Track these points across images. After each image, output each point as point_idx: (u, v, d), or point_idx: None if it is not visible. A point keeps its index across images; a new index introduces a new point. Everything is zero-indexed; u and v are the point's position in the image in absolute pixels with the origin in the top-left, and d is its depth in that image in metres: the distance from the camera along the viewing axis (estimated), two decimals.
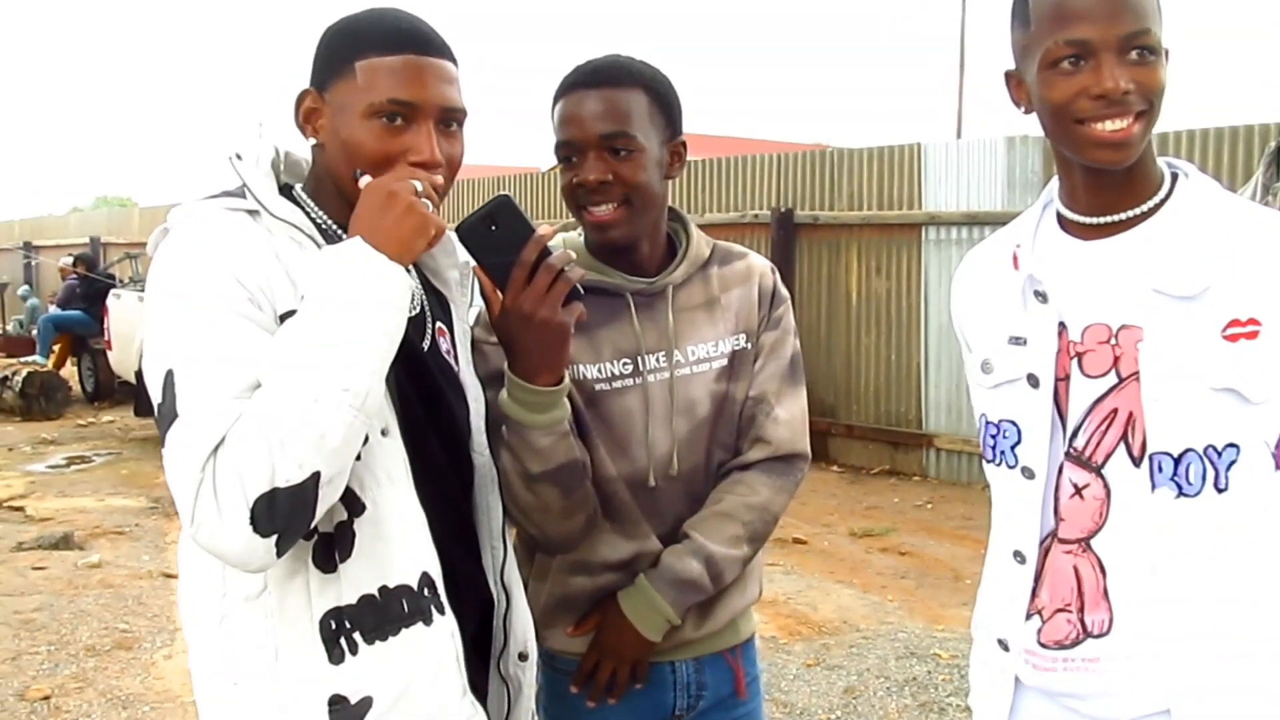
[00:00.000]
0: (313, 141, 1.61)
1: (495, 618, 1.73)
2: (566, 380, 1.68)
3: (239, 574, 1.47)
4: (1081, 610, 1.56)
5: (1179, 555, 1.49)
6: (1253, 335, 1.45)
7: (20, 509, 7.71)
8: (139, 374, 9.03)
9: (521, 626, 1.76)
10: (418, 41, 1.55)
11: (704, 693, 1.98)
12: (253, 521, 1.33)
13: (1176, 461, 1.47)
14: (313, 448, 1.35)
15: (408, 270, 1.49)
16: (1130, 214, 1.54)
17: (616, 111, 1.82)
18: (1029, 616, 1.61)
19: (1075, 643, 1.57)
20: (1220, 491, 1.47)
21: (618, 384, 1.88)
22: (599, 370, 1.87)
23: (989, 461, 1.65)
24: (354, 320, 1.39)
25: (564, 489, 1.74)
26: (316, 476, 1.35)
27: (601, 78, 1.85)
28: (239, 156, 1.58)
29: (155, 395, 1.41)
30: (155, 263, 1.49)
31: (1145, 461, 1.49)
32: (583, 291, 1.61)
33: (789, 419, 1.96)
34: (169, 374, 1.39)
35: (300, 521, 1.37)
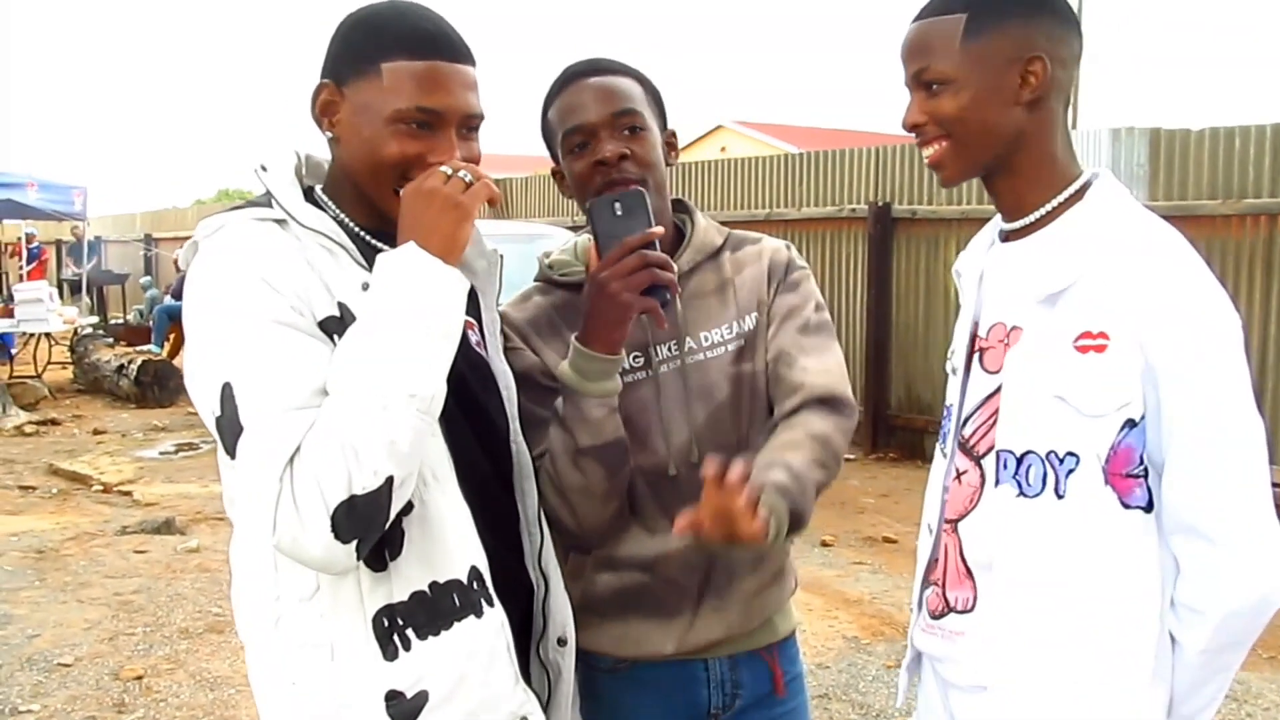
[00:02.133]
0: (328, 135, 1.62)
1: (535, 603, 1.76)
2: (622, 358, 1.74)
3: (292, 576, 1.52)
4: (944, 585, 1.72)
5: (1014, 552, 1.59)
6: (1100, 349, 1.50)
7: (128, 493, 7.99)
8: None
9: (560, 612, 1.78)
10: (443, 46, 1.57)
11: (740, 691, 1.96)
12: (334, 529, 1.38)
13: (1019, 461, 1.57)
14: (386, 453, 1.39)
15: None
16: (1034, 216, 1.63)
17: (622, 93, 1.86)
18: (926, 585, 1.77)
19: (941, 614, 1.73)
20: (1060, 498, 1.55)
21: (629, 378, 1.87)
22: None
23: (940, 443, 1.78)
24: (415, 326, 1.43)
25: (609, 468, 1.77)
26: (390, 481, 1.40)
27: (598, 68, 1.88)
28: (264, 168, 1.60)
29: (212, 408, 1.45)
30: (190, 276, 1.53)
31: (992, 456, 1.60)
32: (669, 297, 1.71)
33: (821, 367, 1.85)
34: (226, 386, 1.43)
35: (378, 524, 1.42)
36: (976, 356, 1.67)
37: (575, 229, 11.15)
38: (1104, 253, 1.53)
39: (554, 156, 1.93)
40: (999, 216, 1.72)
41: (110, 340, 14.49)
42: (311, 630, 1.53)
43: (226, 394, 1.43)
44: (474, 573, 1.58)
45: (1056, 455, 1.54)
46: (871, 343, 9.25)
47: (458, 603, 1.56)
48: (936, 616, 1.73)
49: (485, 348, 1.76)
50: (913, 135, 1.66)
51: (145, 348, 14.50)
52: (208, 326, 1.47)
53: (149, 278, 19.48)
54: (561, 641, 1.78)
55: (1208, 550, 1.50)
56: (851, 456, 9.07)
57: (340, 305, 1.51)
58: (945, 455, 1.73)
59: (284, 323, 1.45)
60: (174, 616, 5.34)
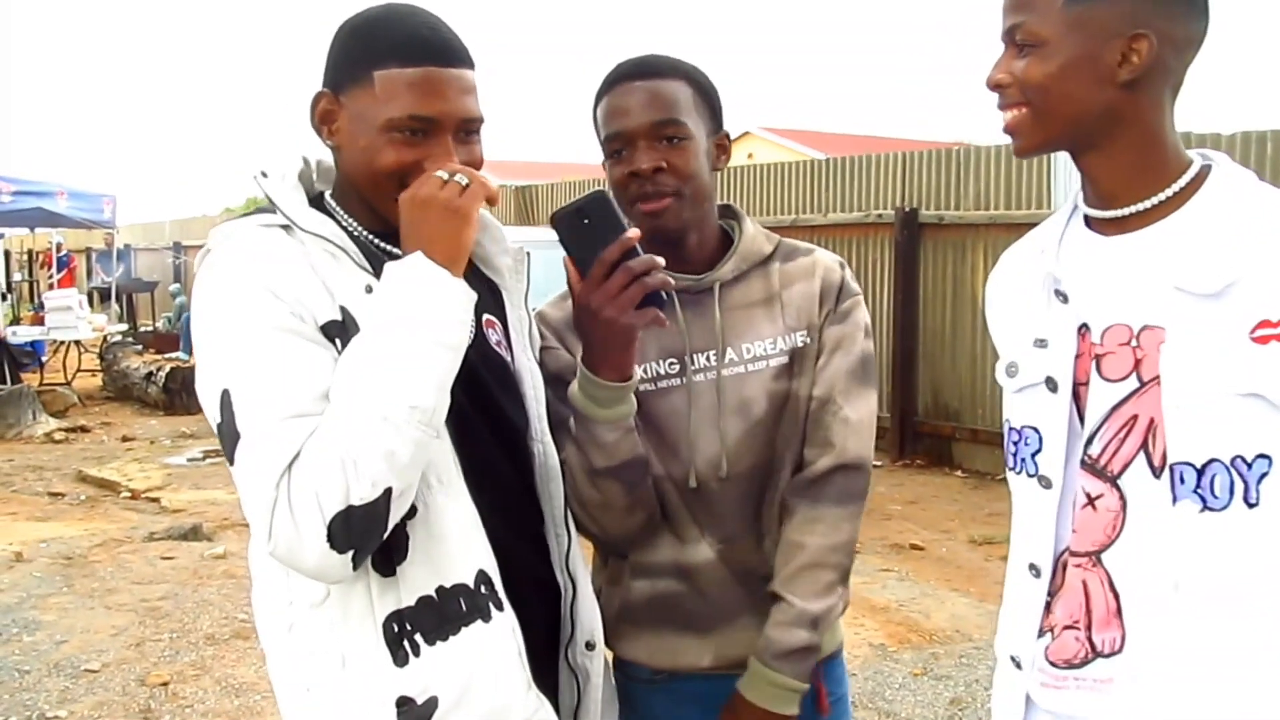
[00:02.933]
0: (329, 144, 1.62)
1: (562, 606, 1.74)
2: (635, 378, 1.69)
3: (303, 582, 1.52)
4: (1089, 628, 1.48)
5: (1204, 575, 1.39)
6: None
7: (156, 500, 8.03)
8: None
9: (588, 615, 1.76)
10: (436, 52, 1.54)
11: None
12: (330, 539, 1.37)
13: (1200, 473, 1.37)
14: (385, 465, 1.38)
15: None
16: (1146, 204, 1.46)
17: (665, 100, 1.81)
18: (1041, 633, 1.53)
19: (1084, 662, 1.49)
20: (1251, 506, 1.36)
21: (662, 384, 1.85)
22: (644, 370, 1.83)
23: (1010, 469, 1.59)
24: (417, 337, 1.41)
25: (627, 486, 1.75)
26: (389, 492, 1.39)
27: (646, 69, 1.84)
28: (264, 174, 1.60)
29: (214, 415, 1.45)
30: (197, 285, 1.53)
31: (1166, 472, 1.39)
32: (665, 298, 1.61)
33: (858, 422, 1.87)
34: (225, 394, 1.43)
35: (375, 536, 1.42)
36: (1094, 365, 1.47)
37: None
38: (1266, 234, 1.37)
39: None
40: (1071, 210, 1.57)
41: (139, 347, 14.62)
42: (322, 637, 1.52)
43: (225, 401, 1.42)
44: (481, 576, 1.56)
45: (1244, 460, 1.35)
46: (899, 349, 9.20)
47: (464, 607, 1.54)
48: (1079, 664, 1.49)
49: (509, 347, 1.74)
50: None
51: (174, 355, 14.61)
52: (210, 334, 1.47)
53: (178, 285, 19.60)
54: (590, 645, 1.75)
55: None
56: (879, 464, 9.02)
57: (342, 309, 1.50)
58: (1053, 484, 1.51)
59: (285, 329, 1.44)
60: (200, 622, 5.35)
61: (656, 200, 1.79)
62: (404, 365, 1.40)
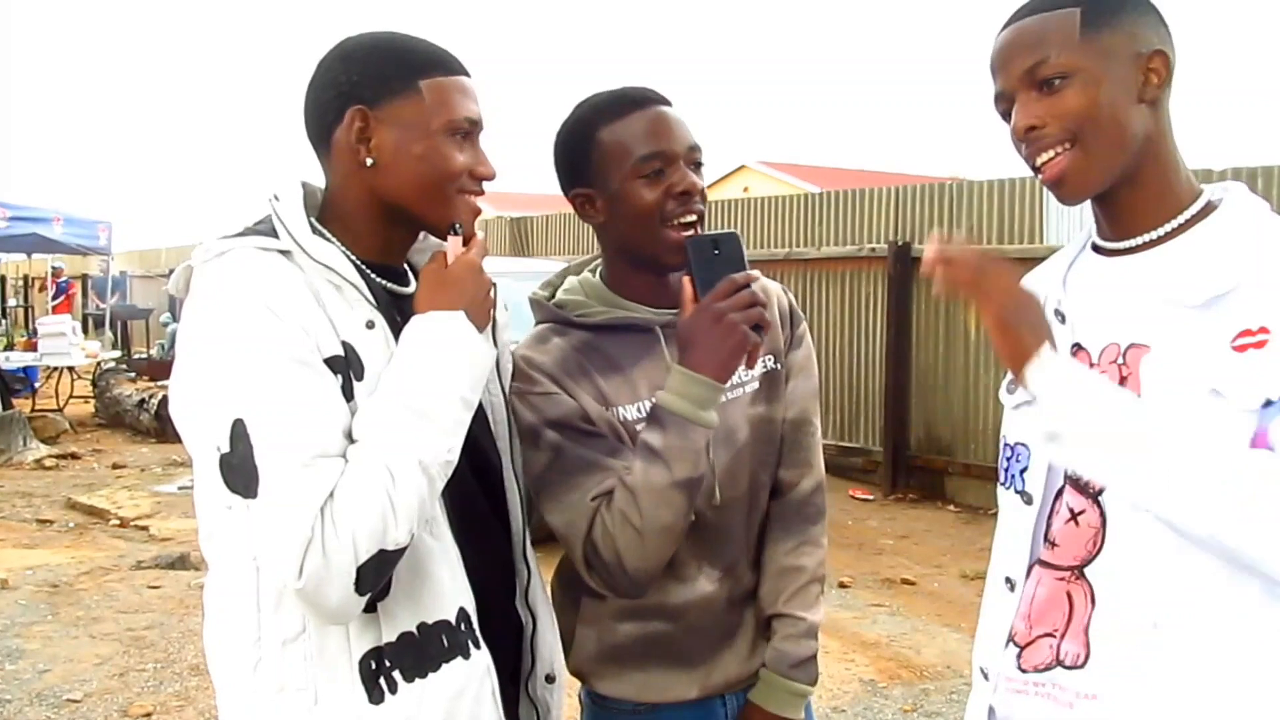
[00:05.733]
0: (368, 162, 1.57)
1: (524, 640, 1.75)
2: (726, 389, 1.74)
3: (276, 617, 1.50)
4: (1063, 637, 1.49)
5: (1181, 600, 1.38)
6: (1261, 344, 1.33)
7: (145, 528, 7.99)
8: None
9: (548, 649, 1.78)
10: (457, 63, 1.63)
11: None
12: (358, 581, 1.39)
13: None
14: (418, 513, 1.43)
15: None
16: (1160, 232, 1.46)
17: (689, 127, 1.87)
18: (1014, 644, 1.54)
19: (1048, 668, 1.50)
20: None
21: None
22: (638, 409, 1.82)
23: (1000, 484, 1.60)
24: (459, 394, 1.49)
25: (691, 503, 1.73)
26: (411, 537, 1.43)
27: (663, 98, 1.87)
28: (277, 197, 1.58)
29: (217, 443, 1.41)
30: (193, 303, 1.49)
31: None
32: (759, 339, 1.70)
33: (820, 440, 2.03)
34: (238, 423, 1.40)
35: (386, 578, 1.45)
36: None
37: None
38: (1260, 251, 1.38)
39: (583, 178, 1.86)
40: (1084, 239, 1.59)
41: (132, 375, 14.58)
42: (294, 674, 1.49)
43: (238, 431, 1.39)
44: (462, 614, 1.56)
45: None
46: (891, 383, 9.20)
47: (446, 644, 1.54)
48: (1043, 670, 1.50)
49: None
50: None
51: (166, 382, 14.53)
52: (213, 357, 1.43)
53: (169, 315, 19.60)
54: (550, 678, 1.78)
55: None
56: (870, 498, 9.00)
57: (345, 345, 1.49)
58: (1034, 499, 1.52)
59: (299, 361, 1.43)
60: (185, 653, 5.30)
61: (690, 226, 1.82)
62: (443, 419, 1.46)
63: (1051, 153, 1.44)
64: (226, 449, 1.40)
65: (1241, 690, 1.37)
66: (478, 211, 1.65)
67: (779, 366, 1.95)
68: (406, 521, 1.40)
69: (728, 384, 1.72)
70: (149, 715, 4.59)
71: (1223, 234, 1.43)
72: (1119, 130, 1.42)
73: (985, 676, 1.59)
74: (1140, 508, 1.35)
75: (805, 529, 1.95)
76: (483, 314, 1.56)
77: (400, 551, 1.42)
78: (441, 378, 1.47)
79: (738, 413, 1.88)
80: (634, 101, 1.83)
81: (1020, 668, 1.53)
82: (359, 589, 1.39)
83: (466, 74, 1.63)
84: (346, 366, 1.47)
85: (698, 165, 1.84)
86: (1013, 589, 1.55)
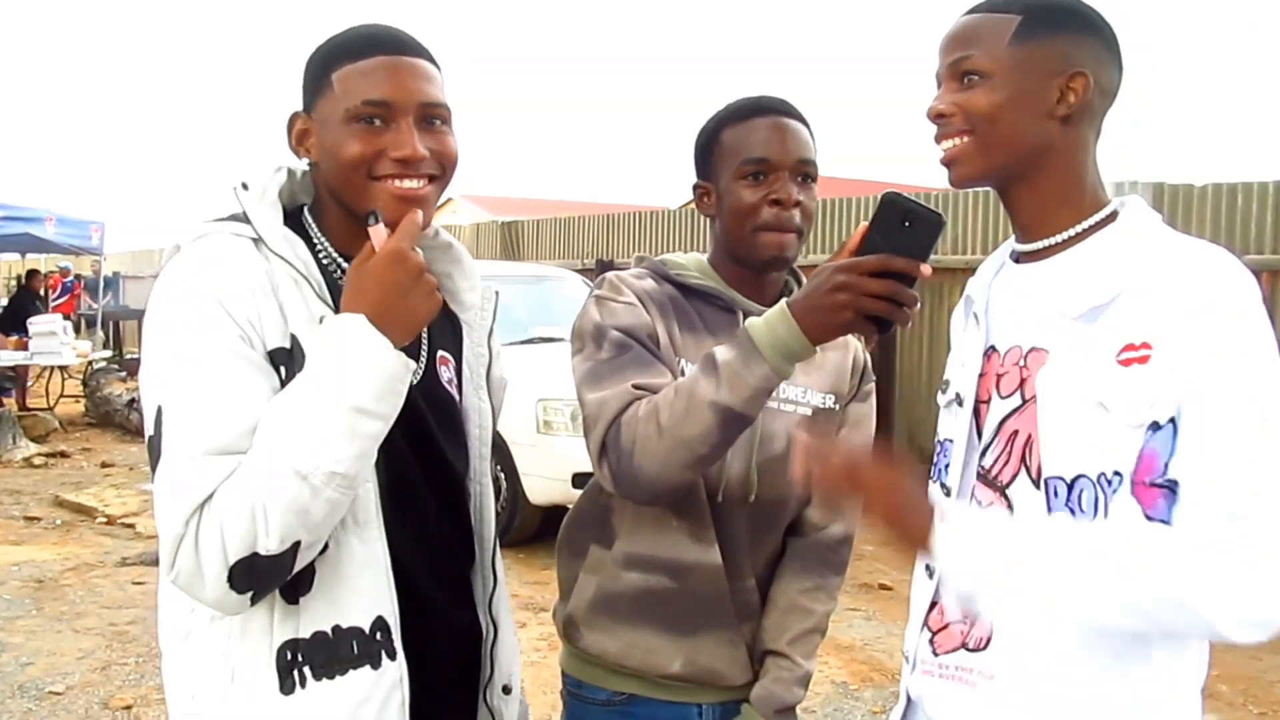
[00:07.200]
0: (308, 163, 1.63)
1: (484, 648, 1.75)
2: (816, 352, 1.65)
3: None
4: (972, 623, 1.57)
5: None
6: (1144, 360, 1.40)
7: (131, 525, 8.01)
8: None
9: (507, 658, 1.77)
10: (387, 43, 1.56)
11: None
12: (230, 580, 1.38)
13: (1070, 487, 1.45)
14: (297, 522, 1.39)
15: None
16: (1060, 238, 1.55)
17: (807, 141, 1.94)
18: (923, 629, 1.63)
19: (953, 650, 1.58)
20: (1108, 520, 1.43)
21: None
22: None
23: (930, 479, 1.67)
24: (348, 403, 1.40)
25: (724, 440, 1.70)
26: (297, 545, 1.40)
27: (790, 111, 1.94)
28: (245, 186, 1.58)
29: (148, 427, 1.45)
30: (156, 284, 1.51)
31: (1042, 485, 1.48)
32: (871, 330, 1.59)
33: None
34: (159, 410, 1.42)
35: (277, 580, 1.44)
36: (993, 382, 1.57)
37: (584, 272, 11.21)
38: (1149, 265, 1.44)
39: (705, 172, 1.98)
40: (1010, 242, 1.66)
41: (123, 374, 14.57)
42: (217, 649, 1.51)
43: (158, 418, 1.42)
44: (379, 623, 1.53)
45: (1106, 477, 1.42)
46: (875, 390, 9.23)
47: (355, 650, 1.52)
48: (949, 652, 1.58)
49: (459, 385, 1.75)
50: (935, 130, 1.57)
51: None
52: (156, 344, 1.46)
53: None
54: (506, 689, 1.78)
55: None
56: None
57: (293, 337, 1.49)
58: (951, 491, 1.60)
59: (231, 352, 1.43)
60: None
61: (786, 232, 1.89)
62: (330, 429, 1.39)
63: (952, 141, 1.55)
64: (152, 432, 1.43)
65: (1135, 667, 1.45)
66: (410, 195, 1.53)
67: (836, 408, 2.01)
68: (279, 529, 1.37)
69: (815, 352, 1.64)
70: (129, 708, 4.65)
71: (1108, 246, 1.51)
72: (1013, 135, 1.51)
73: (909, 662, 1.67)
74: (1074, 623, 1.44)
75: (825, 575, 2.02)
76: (409, 305, 1.46)
77: (276, 558, 1.38)
78: (329, 386, 1.40)
79: (782, 425, 1.94)
80: (760, 109, 1.94)
81: (934, 652, 1.61)
82: (234, 588, 1.38)
83: (396, 53, 1.55)
84: (290, 360, 1.48)
85: (805, 178, 1.91)
86: (931, 576, 1.63)
